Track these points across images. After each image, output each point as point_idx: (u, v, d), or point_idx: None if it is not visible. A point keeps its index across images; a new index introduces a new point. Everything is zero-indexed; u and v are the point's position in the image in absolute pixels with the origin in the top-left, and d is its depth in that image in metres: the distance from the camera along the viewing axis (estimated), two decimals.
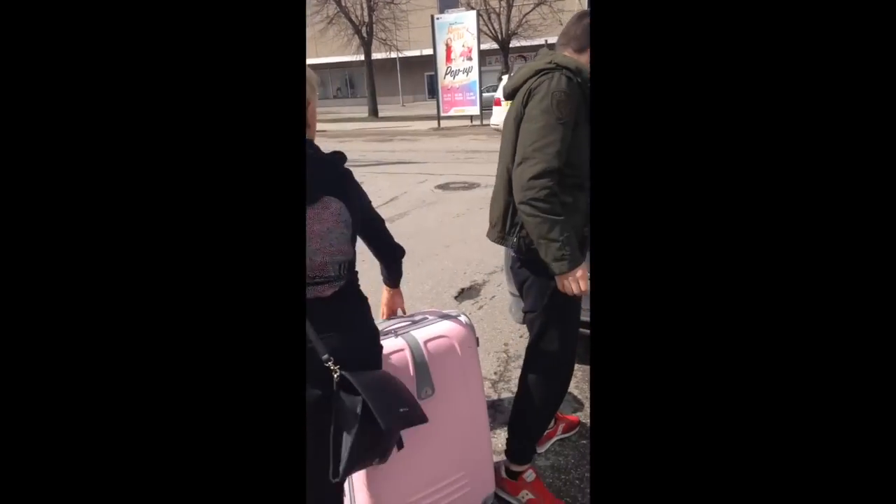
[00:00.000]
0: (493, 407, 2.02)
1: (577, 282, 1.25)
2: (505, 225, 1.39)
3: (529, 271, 1.40)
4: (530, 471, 1.56)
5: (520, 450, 1.53)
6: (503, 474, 1.57)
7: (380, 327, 1.27)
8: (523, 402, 1.51)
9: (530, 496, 1.52)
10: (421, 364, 1.34)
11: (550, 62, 1.29)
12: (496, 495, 1.54)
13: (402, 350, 1.33)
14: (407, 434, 1.15)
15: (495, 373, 2.26)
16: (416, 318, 1.46)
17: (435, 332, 1.40)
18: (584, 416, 1.96)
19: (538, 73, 1.29)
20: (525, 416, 1.52)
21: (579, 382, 2.17)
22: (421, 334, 1.38)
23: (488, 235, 1.50)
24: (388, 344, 1.31)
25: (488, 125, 11.55)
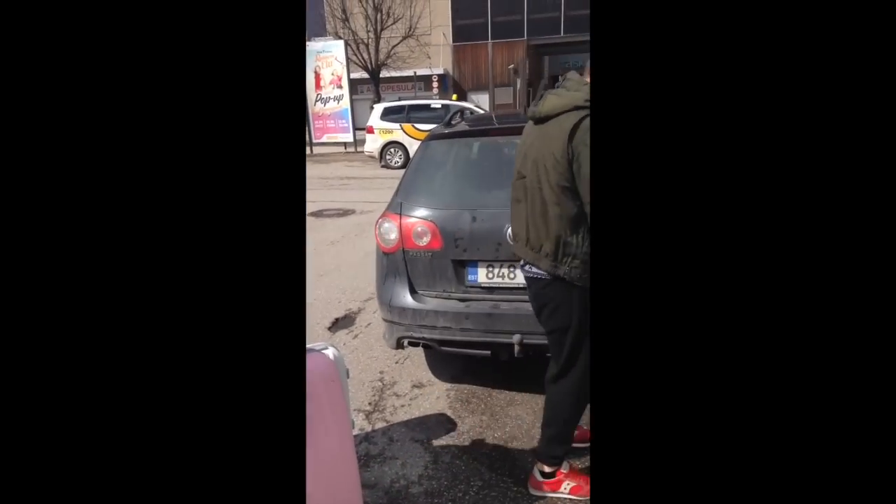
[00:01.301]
0: (367, 440, 1.95)
1: None
2: (557, 255, 1.46)
3: (564, 292, 1.48)
4: (566, 464, 1.67)
5: (556, 455, 1.63)
6: (539, 478, 1.65)
7: None
8: (558, 411, 1.61)
9: (572, 484, 1.64)
10: None
11: (587, 101, 1.37)
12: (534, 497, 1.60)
13: None
14: None
15: (370, 403, 2.19)
16: None
17: None
18: (583, 422, 1.97)
19: (578, 108, 1.37)
20: (560, 424, 1.61)
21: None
22: None
23: (534, 261, 1.51)
24: None
25: (362, 152, 11.55)
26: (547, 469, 1.66)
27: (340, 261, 4.20)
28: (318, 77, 13.59)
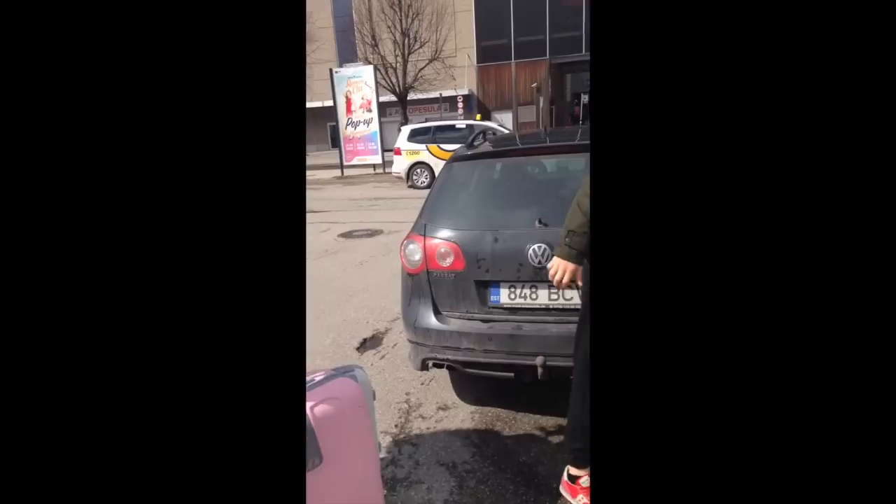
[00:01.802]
0: (394, 463, 1.95)
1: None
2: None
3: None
4: (586, 476, 1.63)
5: (575, 449, 1.64)
6: (565, 478, 1.68)
7: None
8: (570, 402, 1.62)
9: (585, 500, 1.62)
10: (308, 432, 1.26)
11: None
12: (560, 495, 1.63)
13: None
14: None
15: (396, 425, 2.19)
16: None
17: (321, 395, 1.33)
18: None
19: None
20: (570, 416, 1.62)
21: None
22: (309, 398, 1.31)
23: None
24: None
25: (390, 173, 11.76)
26: (572, 471, 1.66)
27: (369, 281, 4.26)
28: (348, 102, 13.98)
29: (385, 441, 2.06)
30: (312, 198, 10.00)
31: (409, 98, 18.19)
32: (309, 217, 7.67)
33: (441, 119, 12.89)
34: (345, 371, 1.80)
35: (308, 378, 1.40)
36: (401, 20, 17.42)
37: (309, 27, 19.43)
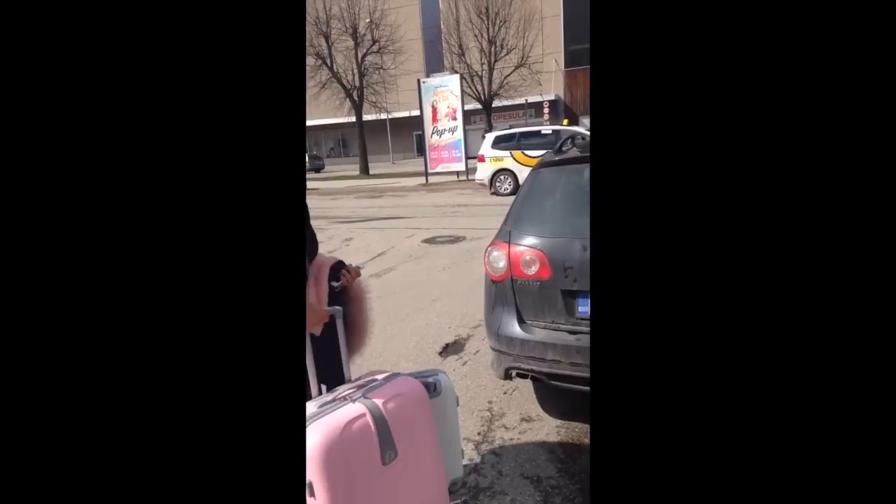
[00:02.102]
0: (476, 471, 1.93)
1: None
2: None
3: None
4: None
5: None
6: None
7: (329, 396, 1.28)
8: None
9: None
10: (383, 427, 1.29)
11: None
12: None
13: (363, 415, 1.28)
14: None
15: (478, 433, 2.18)
16: (364, 380, 1.46)
17: (388, 392, 1.37)
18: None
19: None
20: None
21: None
22: (378, 396, 1.35)
23: None
24: (347, 410, 1.26)
25: (473, 180, 11.83)
26: None
27: (451, 287, 4.30)
28: (434, 111, 14.31)
29: (468, 448, 2.06)
30: (397, 204, 10.33)
31: (494, 105, 18.23)
32: (394, 223, 7.94)
33: (526, 125, 12.75)
34: (428, 375, 1.82)
35: (369, 378, 1.44)
36: (488, 28, 17.54)
37: (398, 39, 20.20)
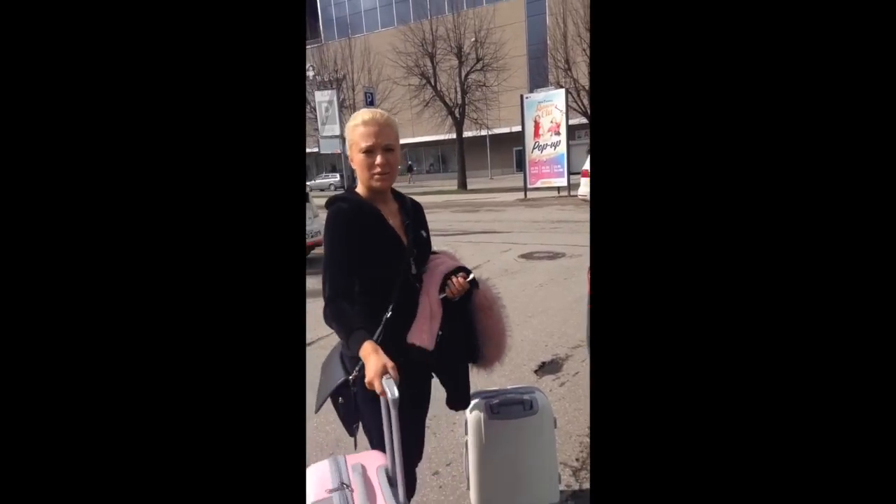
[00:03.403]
0: (573, 497, 1.79)
1: None
2: None
3: None
4: None
5: None
6: None
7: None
8: None
9: None
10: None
11: None
12: None
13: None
14: None
15: (577, 459, 2.03)
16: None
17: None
18: None
19: None
20: None
21: None
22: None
23: None
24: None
25: (575, 196, 11.46)
26: None
27: (549, 304, 4.15)
28: (537, 126, 14.17)
29: (565, 473, 1.93)
30: (494, 219, 10.32)
31: None
32: (490, 237, 7.92)
33: None
34: (524, 392, 1.73)
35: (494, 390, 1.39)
36: None
37: (502, 57, 20.40)
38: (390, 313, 1.27)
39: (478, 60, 20.11)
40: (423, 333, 1.28)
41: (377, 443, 1.26)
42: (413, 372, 1.33)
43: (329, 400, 1.30)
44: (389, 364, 1.09)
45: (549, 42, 19.73)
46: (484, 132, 22.24)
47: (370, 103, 15.79)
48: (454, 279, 1.34)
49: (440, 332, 1.31)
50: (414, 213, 1.41)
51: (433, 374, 1.43)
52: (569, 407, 2.46)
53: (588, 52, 17.07)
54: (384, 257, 1.29)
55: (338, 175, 28.26)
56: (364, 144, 1.26)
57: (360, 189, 1.35)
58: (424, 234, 1.42)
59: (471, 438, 1.71)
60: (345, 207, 1.29)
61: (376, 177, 1.28)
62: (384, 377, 1.07)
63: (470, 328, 1.43)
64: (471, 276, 1.36)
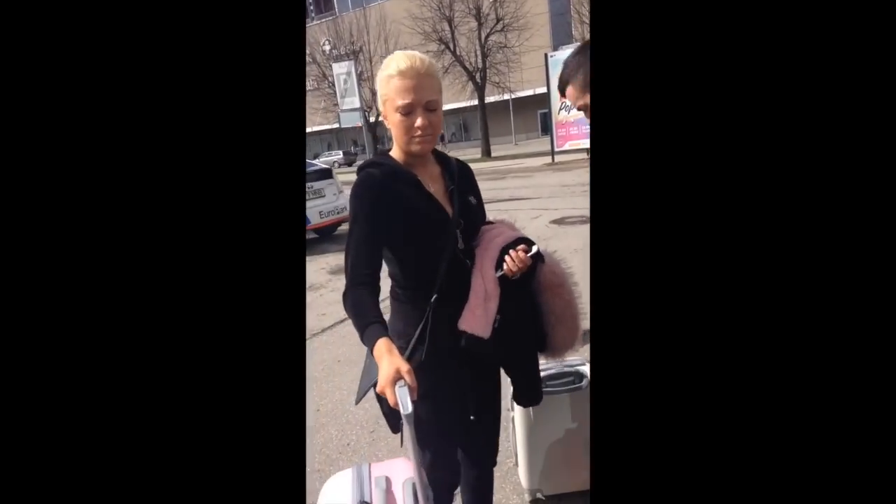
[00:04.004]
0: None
1: None
2: None
3: None
4: None
5: None
6: None
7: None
8: None
9: None
10: None
11: None
12: None
13: None
14: None
15: None
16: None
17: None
18: None
19: None
20: None
21: None
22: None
23: None
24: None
25: None
26: None
27: (586, 269, 3.98)
28: None
29: None
30: (522, 185, 10.05)
31: None
32: (518, 204, 7.70)
33: None
34: (573, 364, 1.62)
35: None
36: None
37: (523, 15, 19.58)
38: (436, 296, 1.06)
39: (498, 21, 19.36)
40: (477, 318, 1.06)
41: (424, 442, 1.08)
42: (475, 367, 1.15)
43: (373, 391, 1.18)
44: (404, 368, 0.88)
45: None
46: (507, 96, 21.61)
47: None
48: (512, 253, 1.08)
49: (498, 317, 1.08)
50: (461, 177, 1.17)
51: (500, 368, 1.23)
52: None
53: None
54: (425, 231, 1.07)
55: (340, 153, 27.89)
56: (401, 102, 1.02)
57: (394, 152, 1.12)
58: (474, 200, 1.18)
59: (517, 413, 1.61)
60: (375, 174, 1.07)
61: (417, 140, 1.05)
62: (398, 384, 0.86)
63: (536, 311, 1.18)
64: (534, 249, 1.11)
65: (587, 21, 16.90)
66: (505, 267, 1.09)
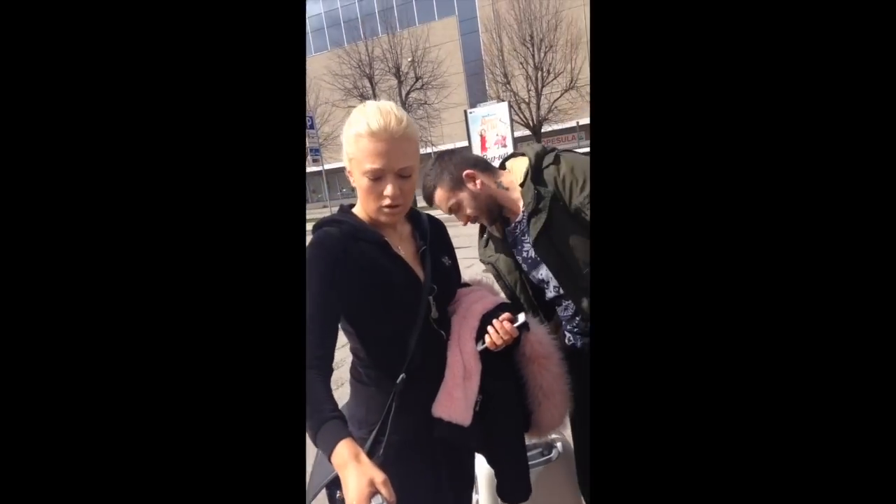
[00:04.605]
0: None
1: None
2: None
3: None
4: None
5: None
6: None
7: None
8: None
9: None
10: None
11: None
12: None
13: None
14: None
15: None
16: None
17: None
18: None
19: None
20: None
21: None
22: None
23: None
24: None
25: None
26: None
27: None
28: (483, 139, 14.25)
29: None
30: (453, 235, 10.07)
31: (543, 130, 18.03)
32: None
33: (578, 147, 12.37)
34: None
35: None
36: (533, 55, 17.53)
37: (440, 75, 20.58)
38: (403, 376, 0.86)
39: (417, 79, 20.17)
40: (456, 402, 0.88)
41: None
42: (449, 461, 0.95)
43: (325, 492, 0.88)
44: (379, 478, 0.70)
45: (485, 58, 20.13)
46: (430, 149, 22.26)
47: (310, 127, 15.33)
48: (496, 323, 0.92)
49: (479, 397, 0.90)
50: (433, 235, 1.02)
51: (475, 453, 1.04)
52: None
53: (525, 64, 17.61)
54: (393, 299, 0.90)
55: None
56: (370, 166, 0.86)
57: (358, 209, 0.97)
58: (448, 261, 1.03)
59: (482, 495, 1.40)
60: (334, 233, 0.90)
61: (385, 210, 0.90)
62: (373, 500, 0.68)
63: (520, 386, 1.01)
64: (521, 319, 0.94)
65: (500, 81, 18.10)
66: (487, 340, 0.92)
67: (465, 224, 1.29)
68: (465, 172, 1.25)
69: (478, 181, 1.24)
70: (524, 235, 1.28)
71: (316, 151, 15.03)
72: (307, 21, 31.02)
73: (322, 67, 22.58)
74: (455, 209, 1.25)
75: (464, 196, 1.23)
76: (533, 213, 1.20)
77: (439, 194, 1.25)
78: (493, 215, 1.28)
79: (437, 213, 1.23)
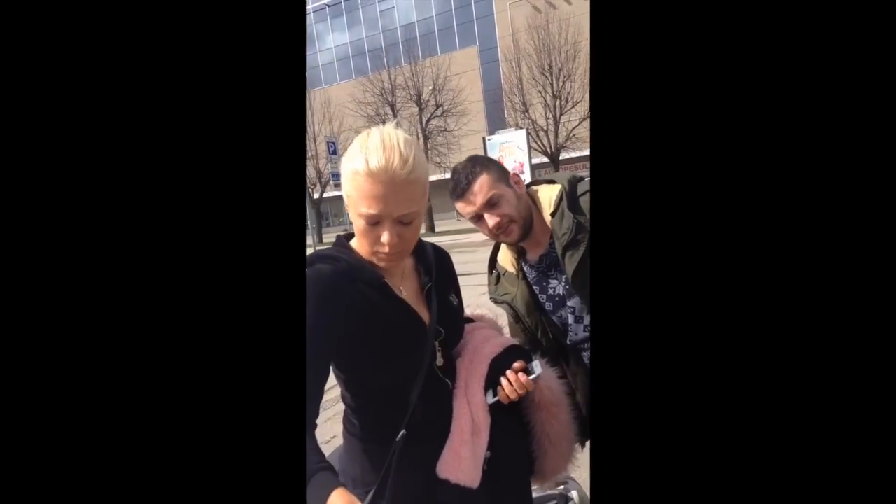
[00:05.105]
0: None
1: None
2: None
3: None
4: None
5: None
6: None
7: None
8: None
9: None
10: None
11: None
12: None
13: None
14: None
15: None
16: None
17: None
18: None
19: None
20: None
21: None
22: None
23: None
24: None
25: None
26: None
27: None
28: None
29: None
30: (468, 260, 10.03)
31: (561, 158, 18.07)
32: (466, 280, 7.53)
33: None
34: (555, 482, 1.39)
35: None
36: (552, 84, 17.72)
37: (460, 102, 20.91)
38: (404, 432, 0.77)
39: (437, 107, 20.53)
40: (463, 462, 0.78)
41: None
42: None
43: None
44: None
45: (504, 86, 20.41)
46: (448, 175, 22.47)
47: (333, 153, 15.63)
48: (511, 376, 0.81)
49: (488, 454, 0.81)
50: (439, 270, 0.91)
51: None
52: None
53: (543, 93, 17.78)
54: (394, 346, 0.80)
55: None
56: (365, 211, 0.75)
57: (356, 244, 0.86)
58: (455, 299, 0.92)
59: None
60: (325, 271, 0.79)
61: (381, 256, 0.80)
62: None
63: (526, 432, 0.91)
64: (536, 371, 0.83)
65: (519, 108, 18.28)
66: (500, 393, 0.83)
67: (495, 230, 1.10)
68: (511, 173, 1.18)
69: (521, 186, 1.15)
70: (551, 270, 1.16)
71: (337, 176, 15.29)
72: (332, 52, 32.03)
73: (346, 95, 23.17)
74: (494, 202, 1.08)
75: (509, 192, 1.10)
76: (570, 246, 1.06)
77: (484, 179, 1.09)
78: (526, 228, 1.13)
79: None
